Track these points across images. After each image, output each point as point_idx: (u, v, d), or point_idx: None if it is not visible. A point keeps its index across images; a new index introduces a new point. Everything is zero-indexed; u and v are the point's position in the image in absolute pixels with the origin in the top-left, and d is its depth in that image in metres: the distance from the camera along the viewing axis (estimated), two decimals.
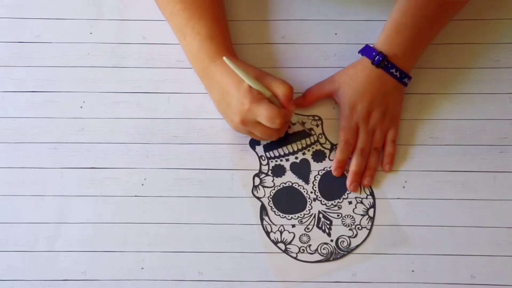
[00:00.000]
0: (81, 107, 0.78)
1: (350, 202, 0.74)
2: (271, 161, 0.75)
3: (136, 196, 0.75)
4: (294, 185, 0.74)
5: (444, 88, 0.79)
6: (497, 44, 0.81)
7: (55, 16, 0.83)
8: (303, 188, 0.74)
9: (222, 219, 0.74)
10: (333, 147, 0.76)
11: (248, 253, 0.72)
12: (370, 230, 0.73)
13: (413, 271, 0.71)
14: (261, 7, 0.83)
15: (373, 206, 0.73)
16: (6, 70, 0.80)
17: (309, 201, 0.74)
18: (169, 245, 0.73)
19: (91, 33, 0.82)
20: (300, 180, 0.74)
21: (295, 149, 0.76)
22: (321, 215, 0.73)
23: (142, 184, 0.75)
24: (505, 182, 0.74)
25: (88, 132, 0.77)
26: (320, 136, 0.76)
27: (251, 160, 0.75)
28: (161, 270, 0.72)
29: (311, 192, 0.74)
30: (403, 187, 0.75)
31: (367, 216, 0.73)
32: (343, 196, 0.74)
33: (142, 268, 0.72)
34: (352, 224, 0.73)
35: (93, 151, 0.76)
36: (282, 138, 0.75)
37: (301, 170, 0.75)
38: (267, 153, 0.75)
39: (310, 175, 0.75)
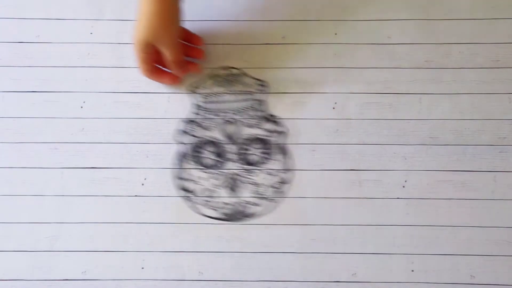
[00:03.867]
0: (81, 107, 0.79)
1: (269, 173, 0.74)
2: (204, 112, 0.76)
3: (136, 196, 0.75)
4: (219, 141, 0.75)
5: (443, 88, 0.79)
6: (497, 44, 0.81)
7: (55, 16, 0.83)
8: (227, 147, 0.75)
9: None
10: (273, 117, 0.76)
11: (248, 253, 0.72)
12: (276, 205, 0.73)
13: (412, 271, 0.71)
14: (261, 7, 0.83)
15: (288, 182, 0.74)
16: (6, 70, 0.80)
17: (227, 161, 0.75)
18: (169, 245, 0.73)
19: (91, 33, 0.82)
20: (227, 139, 0.75)
21: (234, 107, 0.76)
22: (234, 177, 0.74)
23: (142, 184, 0.75)
24: (505, 182, 0.74)
25: (88, 132, 0.77)
26: (259, 103, 0.77)
27: (184, 105, 0.77)
28: (161, 270, 0.72)
29: (234, 154, 0.75)
30: (403, 187, 0.75)
31: (279, 191, 0.74)
32: (263, 166, 0.75)
33: (142, 268, 0.72)
34: (261, 194, 0.74)
35: (93, 151, 0.76)
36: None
37: (231, 129, 0.76)
38: (204, 104, 0.76)
39: (239, 137, 0.75)
